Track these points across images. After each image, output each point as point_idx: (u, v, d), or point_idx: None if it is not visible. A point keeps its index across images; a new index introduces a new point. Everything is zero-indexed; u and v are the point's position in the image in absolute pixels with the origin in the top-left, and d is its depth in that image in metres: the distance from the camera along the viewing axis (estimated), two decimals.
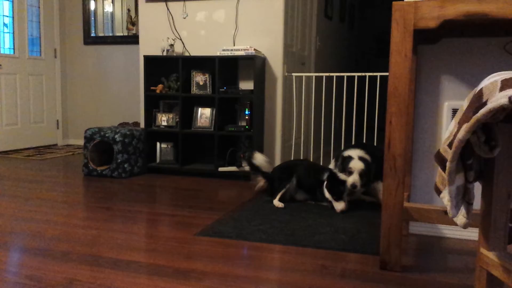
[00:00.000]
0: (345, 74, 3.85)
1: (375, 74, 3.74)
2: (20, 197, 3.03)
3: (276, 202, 2.87)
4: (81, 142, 5.72)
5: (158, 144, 4.07)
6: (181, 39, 4.16)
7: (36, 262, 1.89)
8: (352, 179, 2.80)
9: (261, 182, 3.16)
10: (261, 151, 3.91)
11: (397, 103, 1.76)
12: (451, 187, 1.16)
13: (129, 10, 5.54)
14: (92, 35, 5.78)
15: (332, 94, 4.63)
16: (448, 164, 1.14)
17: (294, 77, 4.11)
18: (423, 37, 2.12)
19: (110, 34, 5.69)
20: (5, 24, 5.17)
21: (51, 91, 5.80)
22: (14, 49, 5.27)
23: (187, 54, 4.14)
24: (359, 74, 3.79)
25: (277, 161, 3.94)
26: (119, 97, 5.74)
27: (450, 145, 1.15)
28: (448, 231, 2.30)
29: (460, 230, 2.27)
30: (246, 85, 4.02)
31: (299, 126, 4.48)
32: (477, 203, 1.30)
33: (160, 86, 3.99)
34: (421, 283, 1.74)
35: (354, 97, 4.04)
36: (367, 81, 3.81)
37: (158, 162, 4.06)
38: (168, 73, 4.09)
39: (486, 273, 1.29)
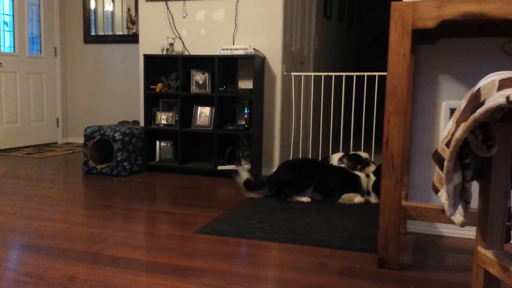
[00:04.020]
0: (344, 74, 3.86)
1: (373, 74, 3.75)
2: (20, 195, 3.04)
3: None
4: (81, 140, 5.72)
5: (157, 142, 4.08)
6: (180, 38, 4.16)
7: (35, 259, 1.90)
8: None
9: None
10: (260, 149, 3.93)
11: (396, 103, 1.77)
12: (448, 186, 1.17)
13: (129, 9, 5.55)
14: (92, 33, 5.78)
15: (331, 93, 4.64)
16: (446, 163, 1.15)
17: (293, 77, 4.12)
18: (422, 37, 2.13)
19: (110, 33, 5.69)
20: (5, 23, 5.17)
21: (51, 90, 5.80)
22: (14, 47, 5.27)
23: (186, 53, 4.15)
24: (358, 74, 3.80)
25: (276, 160, 3.96)
26: (119, 96, 5.75)
27: (448, 144, 1.16)
28: (445, 230, 2.32)
29: (458, 229, 2.28)
30: (245, 84, 4.03)
31: (298, 125, 4.49)
32: (474, 202, 1.31)
33: (159, 85, 3.99)
34: (418, 281, 1.75)
35: (353, 96, 4.05)
36: (366, 80, 3.82)
37: (158, 161, 4.07)
38: (167, 72, 4.10)
39: (484, 271, 1.30)
